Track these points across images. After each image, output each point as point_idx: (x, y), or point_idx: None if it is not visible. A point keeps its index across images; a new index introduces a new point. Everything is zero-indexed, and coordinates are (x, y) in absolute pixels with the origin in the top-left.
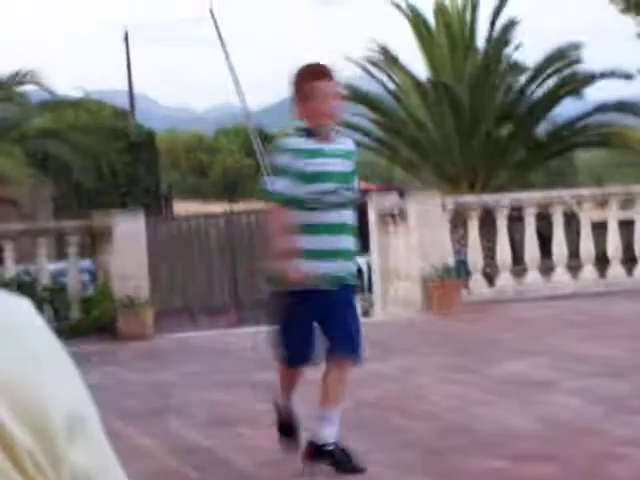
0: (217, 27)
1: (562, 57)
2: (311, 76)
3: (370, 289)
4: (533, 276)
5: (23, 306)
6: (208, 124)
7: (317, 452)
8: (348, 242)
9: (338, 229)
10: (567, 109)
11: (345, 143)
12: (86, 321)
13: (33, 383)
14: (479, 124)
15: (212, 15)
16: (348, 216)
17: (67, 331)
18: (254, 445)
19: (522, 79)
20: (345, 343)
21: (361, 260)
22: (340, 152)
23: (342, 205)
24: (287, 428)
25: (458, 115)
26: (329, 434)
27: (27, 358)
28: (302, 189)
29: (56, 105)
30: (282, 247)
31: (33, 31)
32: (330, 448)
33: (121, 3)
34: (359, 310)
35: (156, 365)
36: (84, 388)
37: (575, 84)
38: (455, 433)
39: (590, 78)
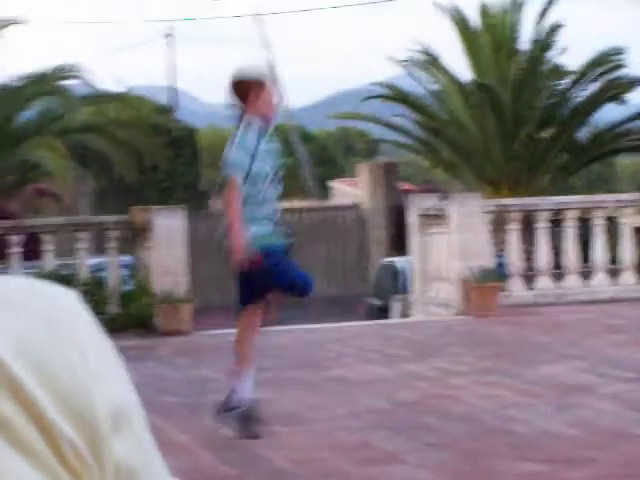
0: (260, 25)
1: (605, 61)
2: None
3: (408, 290)
4: (572, 280)
5: (71, 297)
6: None
7: None
8: None
9: None
10: (609, 114)
11: None
12: (124, 316)
13: (78, 373)
14: (521, 127)
15: (256, 15)
16: None
17: (105, 326)
18: (290, 443)
19: (565, 83)
20: None
21: (400, 261)
22: None
23: None
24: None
25: (500, 117)
26: None
27: (73, 348)
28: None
29: (98, 99)
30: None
31: (77, 25)
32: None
33: (165, 0)
34: (397, 311)
35: (194, 361)
36: (129, 383)
37: (618, 89)
38: (490, 435)
39: (633, 83)
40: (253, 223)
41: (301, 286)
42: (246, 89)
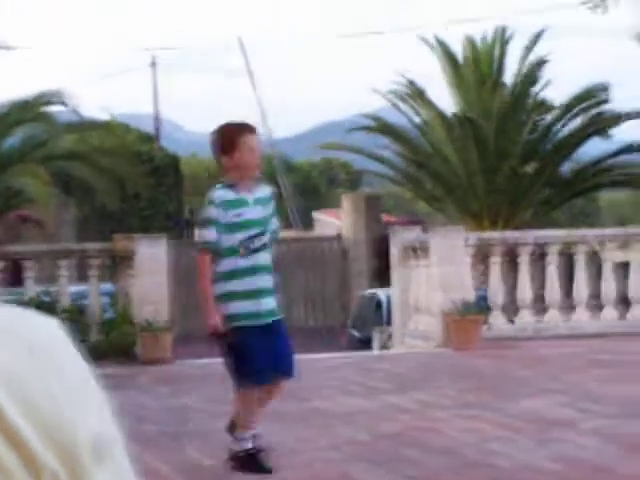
0: (245, 56)
1: (590, 97)
2: (239, 130)
3: (389, 322)
4: (553, 314)
5: (52, 325)
6: None
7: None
8: (268, 281)
9: (259, 270)
10: (593, 149)
11: (264, 190)
12: (105, 344)
13: (59, 402)
14: (504, 161)
15: (240, 45)
16: (266, 258)
17: (86, 353)
18: (270, 474)
19: (549, 117)
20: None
21: (381, 293)
22: (260, 200)
23: (262, 249)
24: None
25: (483, 151)
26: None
27: (54, 377)
28: (230, 238)
29: (82, 127)
30: (208, 292)
31: (61, 53)
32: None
33: (150, 29)
34: (377, 343)
35: (174, 390)
36: (111, 412)
37: (602, 124)
38: (472, 469)
39: (617, 118)
40: (231, 299)
41: (266, 375)
42: (218, 156)
